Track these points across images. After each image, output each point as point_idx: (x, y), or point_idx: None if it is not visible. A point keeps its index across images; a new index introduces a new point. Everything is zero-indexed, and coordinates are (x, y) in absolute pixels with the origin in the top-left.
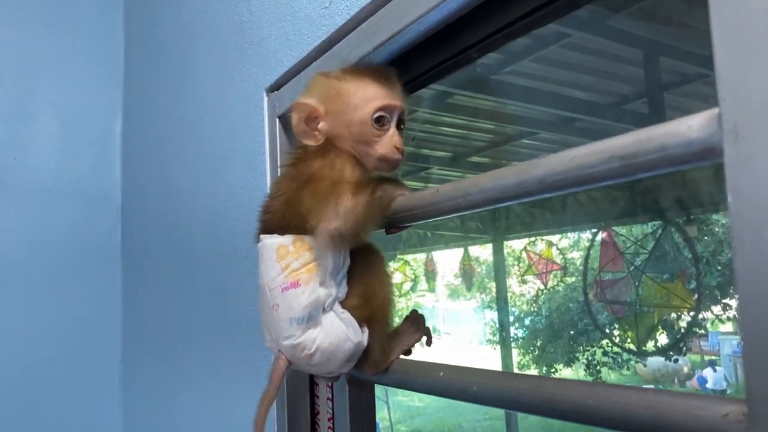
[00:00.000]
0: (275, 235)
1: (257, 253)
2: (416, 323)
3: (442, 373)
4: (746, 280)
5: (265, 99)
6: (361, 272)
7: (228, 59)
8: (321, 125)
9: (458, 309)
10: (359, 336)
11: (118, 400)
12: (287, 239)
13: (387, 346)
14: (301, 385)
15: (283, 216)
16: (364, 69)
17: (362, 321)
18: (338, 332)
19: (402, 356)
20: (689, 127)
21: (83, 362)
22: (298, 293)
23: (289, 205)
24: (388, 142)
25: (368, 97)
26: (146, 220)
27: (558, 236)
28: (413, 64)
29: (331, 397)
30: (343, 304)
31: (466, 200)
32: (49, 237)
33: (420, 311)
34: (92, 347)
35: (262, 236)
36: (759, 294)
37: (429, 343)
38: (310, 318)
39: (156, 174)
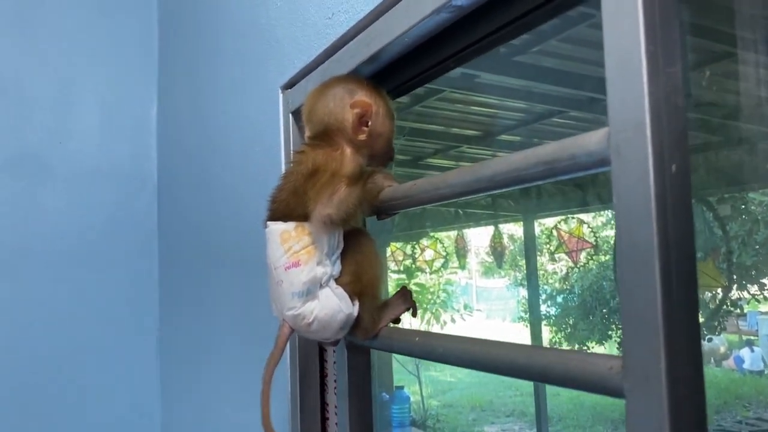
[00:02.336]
0: (280, 222)
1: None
2: (404, 297)
3: (417, 338)
4: (624, 258)
5: (281, 95)
6: (354, 253)
7: (249, 57)
8: (370, 123)
9: (492, 286)
10: (350, 308)
11: (156, 368)
12: (290, 225)
13: (376, 315)
14: (311, 352)
15: (288, 205)
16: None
17: (353, 295)
18: (332, 305)
19: (392, 324)
20: (590, 142)
21: (123, 331)
22: (298, 272)
23: (294, 195)
24: (393, 146)
25: (392, 107)
26: (180, 199)
27: (591, 214)
28: (402, 71)
29: (336, 360)
30: (337, 280)
31: (437, 193)
32: (91, 215)
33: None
34: (132, 317)
35: (269, 222)
36: (633, 271)
37: (414, 314)
38: (309, 292)
39: (188, 156)
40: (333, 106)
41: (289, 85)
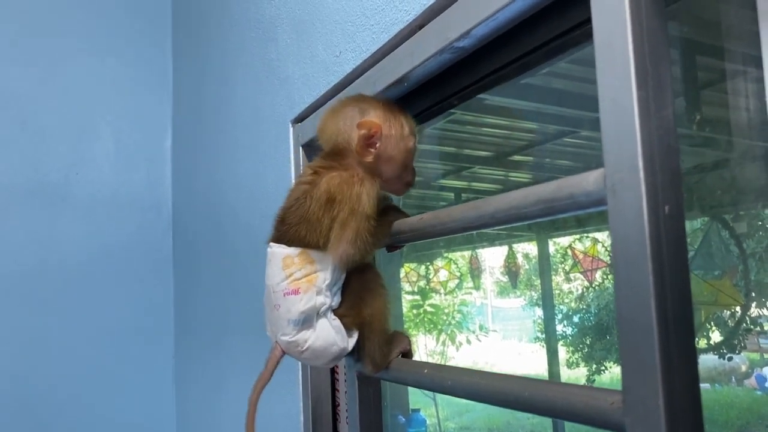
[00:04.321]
0: (284, 246)
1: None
2: (404, 334)
3: (426, 370)
4: (622, 297)
5: (291, 129)
6: (357, 287)
7: (260, 91)
8: (378, 144)
9: (507, 306)
10: (345, 342)
11: (171, 391)
12: (293, 251)
13: (386, 349)
14: (323, 382)
15: (297, 232)
16: (395, 104)
17: (351, 327)
18: (328, 337)
19: (402, 357)
20: (587, 182)
21: (139, 358)
22: (296, 300)
23: (306, 222)
24: (414, 170)
25: (412, 129)
26: (194, 228)
27: (605, 233)
28: (406, 109)
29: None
30: (335, 311)
31: (442, 227)
32: (108, 243)
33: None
34: (148, 343)
35: (272, 243)
36: (630, 309)
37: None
38: (305, 321)
39: (202, 186)
40: (342, 125)
41: (299, 119)
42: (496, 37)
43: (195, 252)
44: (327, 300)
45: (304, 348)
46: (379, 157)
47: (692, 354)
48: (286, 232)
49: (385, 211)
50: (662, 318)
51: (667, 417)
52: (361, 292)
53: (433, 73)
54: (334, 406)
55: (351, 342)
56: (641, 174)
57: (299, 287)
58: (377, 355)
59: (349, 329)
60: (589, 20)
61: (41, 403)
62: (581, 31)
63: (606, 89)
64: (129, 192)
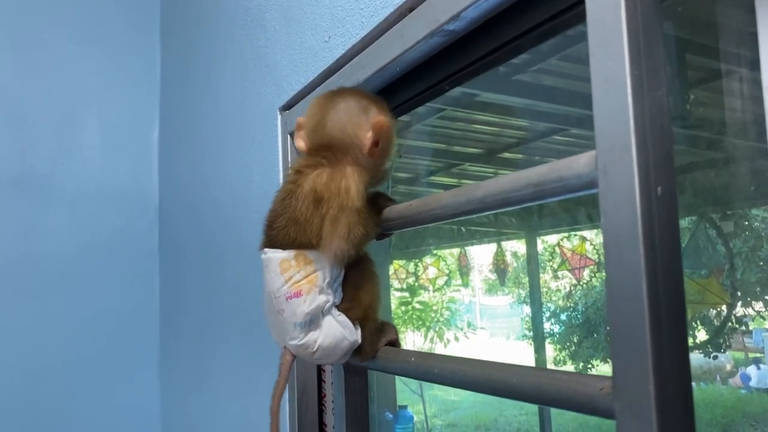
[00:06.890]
0: (278, 250)
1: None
2: (391, 325)
3: (413, 359)
4: (612, 279)
5: (279, 117)
6: (354, 277)
7: (248, 79)
8: (380, 143)
9: (495, 304)
10: (354, 335)
11: (156, 387)
12: (289, 254)
13: (375, 337)
14: (310, 373)
15: (288, 234)
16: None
17: (355, 320)
18: (336, 333)
19: (389, 346)
20: (578, 164)
21: (125, 352)
22: (300, 302)
23: (295, 223)
24: None
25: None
26: (181, 221)
27: (593, 231)
28: (397, 94)
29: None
30: (338, 306)
31: (431, 214)
32: (93, 237)
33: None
34: (133, 338)
35: (266, 249)
36: (621, 292)
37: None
38: (311, 322)
39: (189, 178)
40: (347, 120)
41: (287, 106)
42: (488, 19)
43: (181, 245)
44: (330, 297)
45: (315, 348)
46: (380, 154)
47: (683, 337)
48: (275, 237)
49: (374, 199)
50: (653, 301)
51: (657, 402)
52: (359, 281)
53: (424, 58)
54: (320, 396)
55: (358, 333)
56: (633, 154)
57: (301, 289)
58: (366, 343)
59: (354, 321)
60: (582, 1)
61: (25, 395)
62: (574, 12)
63: (598, 68)
64: (115, 184)
